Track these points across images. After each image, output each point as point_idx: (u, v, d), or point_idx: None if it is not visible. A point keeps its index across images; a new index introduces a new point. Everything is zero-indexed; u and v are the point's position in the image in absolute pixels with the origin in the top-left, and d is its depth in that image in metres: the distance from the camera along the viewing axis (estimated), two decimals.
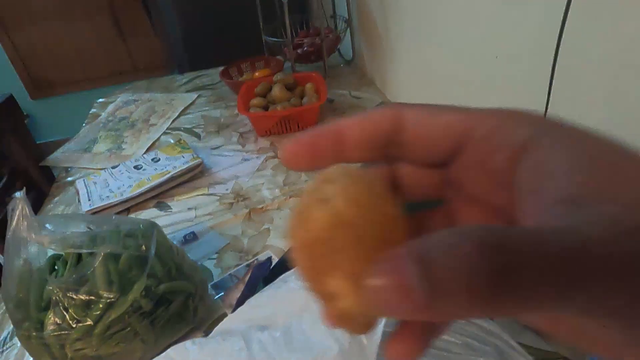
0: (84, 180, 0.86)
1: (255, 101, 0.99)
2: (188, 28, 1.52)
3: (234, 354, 0.28)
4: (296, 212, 0.15)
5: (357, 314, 0.14)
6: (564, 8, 0.41)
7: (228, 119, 1.07)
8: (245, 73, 1.22)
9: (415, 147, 0.17)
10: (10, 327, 0.61)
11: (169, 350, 0.31)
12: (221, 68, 1.21)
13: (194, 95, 1.21)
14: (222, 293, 0.60)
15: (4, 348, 0.58)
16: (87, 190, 0.84)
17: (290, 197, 0.78)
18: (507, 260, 0.10)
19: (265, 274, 0.48)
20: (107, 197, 0.80)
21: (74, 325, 0.43)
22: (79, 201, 0.82)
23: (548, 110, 0.46)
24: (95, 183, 0.85)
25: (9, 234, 0.44)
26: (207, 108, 1.14)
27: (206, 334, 0.50)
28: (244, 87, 1.02)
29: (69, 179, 0.92)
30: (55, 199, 0.87)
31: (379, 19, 1.05)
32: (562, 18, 0.42)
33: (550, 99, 0.46)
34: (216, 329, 0.33)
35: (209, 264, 0.66)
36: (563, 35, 0.43)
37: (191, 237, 0.71)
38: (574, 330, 0.13)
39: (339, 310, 0.14)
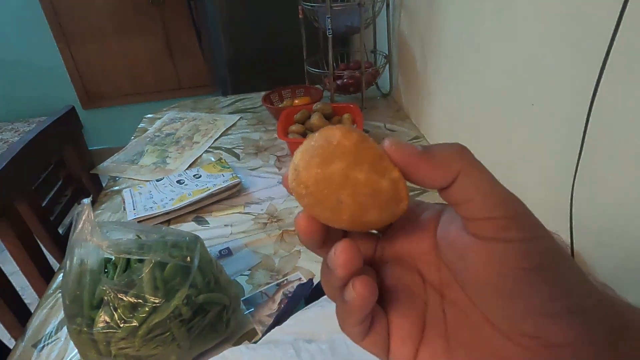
0: (130, 190, 0.93)
1: (294, 127, 1.04)
2: (235, 53, 1.61)
3: (286, 359, 0.31)
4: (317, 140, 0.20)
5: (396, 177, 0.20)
6: (602, 61, 0.44)
7: (267, 142, 1.13)
8: (285, 99, 1.28)
9: None
10: (55, 322, 0.65)
11: (225, 352, 0.34)
12: (263, 93, 1.28)
13: (236, 117, 1.27)
14: (252, 309, 0.63)
15: (49, 341, 0.62)
16: (132, 200, 0.89)
17: None
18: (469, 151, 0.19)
19: (307, 294, 0.51)
20: (151, 207, 0.86)
21: (121, 325, 0.47)
22: (124, 209, 0.88)
23: (580, 161, 0.48)
24: (140, 194, 0.91)
25: (73, 235, 0.49)
26: (247, 130, 1.20)
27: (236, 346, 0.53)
28: (284, 113, 1.08)
29: (116, 187, 0.99)
30: (103, 205, 0.93)
31: (418, 57, 1.09)
32: (599, 71, 0.44)
33: (583, 151, 0.48)
34: (264, 338, 0.36)
35: (241, 280, 0.69)
36: (599, 88, 0.45)
37: (226, 253, 0.75)
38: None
39: (390, 180, 0.19)
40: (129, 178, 1.02)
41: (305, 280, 0.66)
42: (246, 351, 0.33)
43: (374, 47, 1.32)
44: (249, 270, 0.72)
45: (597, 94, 0.44)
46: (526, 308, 0.18)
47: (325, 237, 0.22)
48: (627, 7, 0.38)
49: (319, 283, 0.41)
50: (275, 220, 0.83)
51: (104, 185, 1.03)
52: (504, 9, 0.67)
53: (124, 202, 0.90)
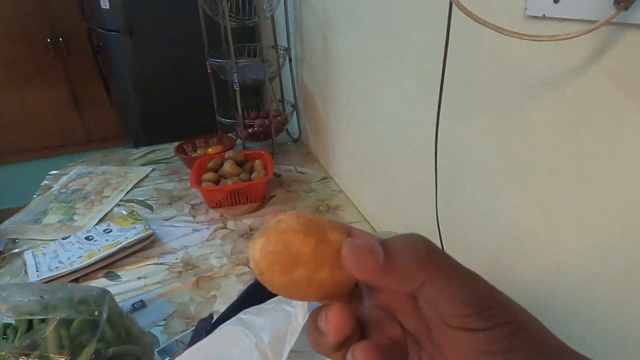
0: (32, 251, 0.88)
1: (207, 175, 1.07)
2: (146, 104, 1.61)
3: None
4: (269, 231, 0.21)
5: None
6: (436, 115, 0.55)
7: (181, 192, 1.14)
8: (199, 149, 1.32)
9: None
10: None
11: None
12: (176, 143, 1.30)
13: (148, 169, 1.27)
14: (168, 358, 0.64)
15: None
16: (35, 261, 0.85)
17: (237, 265, 0.84)
18: (433, 248, 0.19)
19: (208, 327, 0.53)
20: (57, 267, 0.82)
21: None
22: (25, 272, 0.83)
23: (437, 186, 0.59)
24: (44, 254, 0.87)
25: None
26: (160, 181, 1.21)
27: None
28: (197, 163, 1.11)
29: (16, 250, 0.93)
30: (1, 270, 0.87)
31: (320, 106, 1.20)
32: (435, 122, 0.56)
33: (437, 179, 0.59)
34: None
35: (156, 331, 0.69)
36: (439, 130, 0.57)
37: (140, 305, 0.75)
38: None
39: (339, 259, 0.20)
40: (31, 239, 0.97)
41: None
42: None
43: (282, 97, 1.42)
44: (164, 320, 0.72)
45: (439, 132, 0.56)
46: None
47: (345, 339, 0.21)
48: (445, 71, 0.50)
49: (219, 316, 0.45)
50: (190, 267, 0.84)
51: (2, 249, 0.97)
52: (380, 67, 0.79)
53: (25, 264, 0.85)
